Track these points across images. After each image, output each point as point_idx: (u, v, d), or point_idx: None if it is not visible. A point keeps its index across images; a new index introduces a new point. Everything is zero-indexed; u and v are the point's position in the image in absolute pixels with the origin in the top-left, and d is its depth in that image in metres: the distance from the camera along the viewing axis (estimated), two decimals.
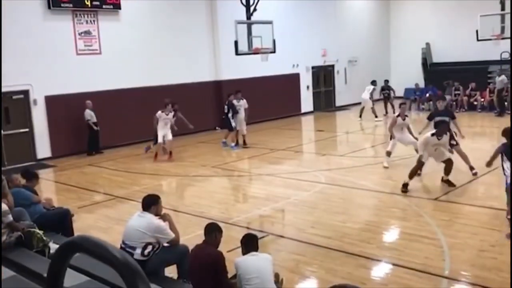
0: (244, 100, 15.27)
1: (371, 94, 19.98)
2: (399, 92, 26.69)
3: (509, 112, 19.04)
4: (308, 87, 23.35)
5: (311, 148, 15.87)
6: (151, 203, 5.71)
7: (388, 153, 11.68)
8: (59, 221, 7.13)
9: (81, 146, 15.24)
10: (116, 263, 1.33)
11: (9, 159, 13.93)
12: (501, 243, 6.80)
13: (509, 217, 7.43)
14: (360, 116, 19.74)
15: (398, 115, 11.64)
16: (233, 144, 15.04)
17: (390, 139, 11.82)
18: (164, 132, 13.58)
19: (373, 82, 20.69)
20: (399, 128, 11.61)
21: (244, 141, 15.31)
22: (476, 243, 6.81)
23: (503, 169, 7.59)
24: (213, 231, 5.18)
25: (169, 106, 13.89)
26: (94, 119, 15.00)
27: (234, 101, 15.14)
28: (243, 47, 15.17)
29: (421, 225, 7.61)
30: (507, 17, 19.00)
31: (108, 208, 9.59)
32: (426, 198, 8.95)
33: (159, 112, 13.74)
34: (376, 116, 19.63)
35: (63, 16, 15.01)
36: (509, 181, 7.22)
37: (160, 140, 13.62)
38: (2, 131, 13.56)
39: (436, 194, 9.09)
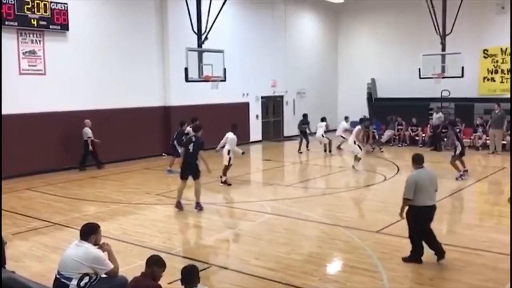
0: None
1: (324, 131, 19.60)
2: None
3: (448, 147, 19.87)
4: (257, 116, 23.59)
5: (258, 177, 15.90)
6: (90, 232, 5.51)
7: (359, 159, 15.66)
8: None
9: (20, 168, 14.63)
10: None
11: None
12: (439, 277, 6.97)
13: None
14: (330, 151, 19.54)
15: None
16: (169, 168, 15.07)
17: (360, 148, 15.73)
18: None
19: (324, 119, 20.04)
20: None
21: None
22: (415, 276, 6.94)
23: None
24: (151, 264, 5.04)
25: (198, 121, 14.76)
26: (90, 136, 15.81)
27: (190, 128, 15.12)
28: (193, 74, 15.16)
29: (363, 257, 7.70)
30: (447, 57, 20.01)
31: (45, 236, 9.17)
32: (368, 230, 9.09)
33: (188, 128, 14.47)
34: (330, 151, 19.56)
35: (7, 35, 14.53)
36: None
37: None
38: None
39: (377, 227, 9.25)
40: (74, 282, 5.21)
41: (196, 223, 10.21)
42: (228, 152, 13.58)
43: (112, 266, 5.43)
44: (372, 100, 26.10)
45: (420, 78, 20.58)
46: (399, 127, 22.00)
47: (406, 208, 7.36)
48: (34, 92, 15.22)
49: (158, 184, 13.78)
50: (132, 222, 10.06)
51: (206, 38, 15.92)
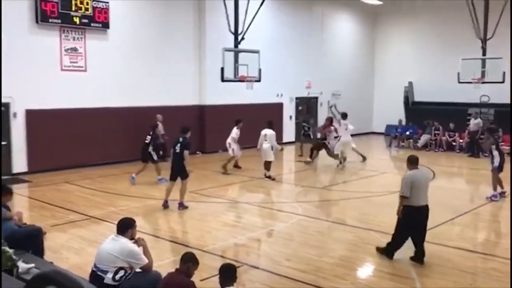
0: None
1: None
2: (380, 128, 27.09)
3: (486, 154, 19.43)
4: (291, 117, 23.55)
5: (290, 179, 15.89)
6: (126, 227, 5.63)
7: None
8: (30, 239, 6.96)
9: (59, 162, 15.05)
10: None
11: None
12: (474, 286, 6.84)
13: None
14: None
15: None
16: (160, 177, 13.68)
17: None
18: (237, 146, 15.42)
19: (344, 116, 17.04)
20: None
21: (237, 164, 16.02)
22: (448, 284, 6.83)
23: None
24: (187, 261, 5.11)
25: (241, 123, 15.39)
26: (162, 131, 15.90)
27: (236, 130, 15.41)
28: (229, 74, 15.28)
29: (396, 263, 7.62)
30: (488, 62, 19.51)
31: (82, 228, 9.42)
32: None
33: (236, 129, 15.26)
34: (363, 157, 17.48)
35: (50, 32, 14.97)
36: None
37: (238, 153, 15.51)
38: None
39: None
40: (110, 275, 5.33)
41: (228, 221, 10.29)
42: (272, 148, 14.26)
43: (146, 261, 5.53)
44: (409, 103, 25.73)
45: (459, 82, 20.15)
46: (436, 132, 21.60)
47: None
48: (75, 88, 15.62)
49: (191, 182, 13.80)
50: (166, 218, 10.23)
51: (242, 38, 16.03)
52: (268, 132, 14.44)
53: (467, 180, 16.21)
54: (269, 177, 14.25)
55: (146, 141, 13.78)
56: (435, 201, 11.74)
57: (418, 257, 7.57)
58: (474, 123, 20.45)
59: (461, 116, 22.24)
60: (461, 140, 21.11)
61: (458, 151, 20.82)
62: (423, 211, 7.54)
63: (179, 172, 10.88)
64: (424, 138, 21.78)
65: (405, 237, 7.64)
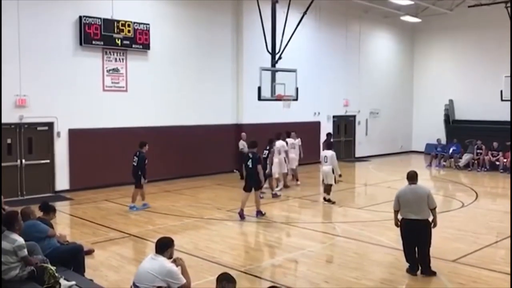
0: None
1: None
2: (420, 147, 26.60)
3: None
4: None
5: None
6: (165, 246, 5.66)
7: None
8: (72, 256, 7.11)
9: (100, 180, 15.36)
10: None
11: (27, 189, 14.11)
12: None
13: None
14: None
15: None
16: (132, 204, 12.73)
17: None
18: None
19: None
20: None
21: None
22: None
23: None
24: (221, 281, 5.08)
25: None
26: (246, 149, 15.49)
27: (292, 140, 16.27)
28: (266, 93, 15.36)
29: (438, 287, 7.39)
30: None
31: (121, 246, 9.54)
32: (444, 259, 8.70)
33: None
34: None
35: (93, 53, 15.44)
36: None
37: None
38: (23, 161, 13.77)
39: (453, 256, 8.85)
40: None
41: (266, 241, 10.24)
42: (333, 171, 13.84)
43: (184, 280, 5.54)
44: (450, 122, 25.20)
45: (501, 100, 19.65)
46: (478, 151, 21.02)
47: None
48: (115, 108, 16.00)
49: (229, 200, 13.94)
50: (203, 237, 10.26)
51: (279, 57, 16.12)
52: (328, 153, 14.01)
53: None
54: (329, 200, 13.72)
55: (134, 163, 12.65)
56: (479, 223, 11.46)
57: (420, 267, 7.86)
58: None
59: (504, 135, 21.56)
60: (505, 160, 20.45)
61: (501, 171, 20.17)
62: (414, 224, 7.79)
63: (254, 184, 11.72)
64: (466, 157, 21.22)
65: (406, 248, 7.99)
